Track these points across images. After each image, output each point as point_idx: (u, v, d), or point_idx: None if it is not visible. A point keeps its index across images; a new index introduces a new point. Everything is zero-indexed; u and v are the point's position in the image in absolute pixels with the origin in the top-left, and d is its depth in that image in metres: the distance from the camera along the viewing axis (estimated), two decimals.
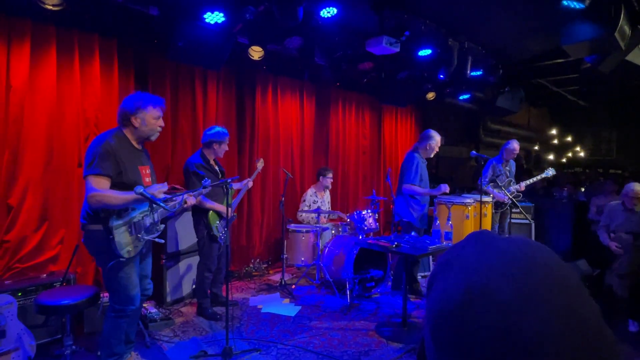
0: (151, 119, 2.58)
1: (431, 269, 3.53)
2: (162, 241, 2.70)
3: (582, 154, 12.16)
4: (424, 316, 0.49)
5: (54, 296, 2.62)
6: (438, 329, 0.45)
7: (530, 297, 0.41)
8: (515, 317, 0.40)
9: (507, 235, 0.52)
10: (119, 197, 2.37)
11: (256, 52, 4.55)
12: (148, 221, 2.58)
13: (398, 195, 4.38)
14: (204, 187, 2.97)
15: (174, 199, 2.74)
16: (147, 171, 2.69)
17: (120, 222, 2.42)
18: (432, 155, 4.38)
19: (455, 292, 0.44)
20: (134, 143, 2.62)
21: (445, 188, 4.06)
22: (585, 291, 0.44)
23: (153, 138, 2.68)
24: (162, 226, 2.71)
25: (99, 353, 2.92)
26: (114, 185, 2.42)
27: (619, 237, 4.09)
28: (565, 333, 0.40)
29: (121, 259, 2.42)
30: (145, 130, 2.59)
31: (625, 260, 4.02)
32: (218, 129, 3.69)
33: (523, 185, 5.15)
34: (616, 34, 3.69)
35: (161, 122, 2.66)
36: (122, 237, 2.42)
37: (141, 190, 2.29)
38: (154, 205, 2.63)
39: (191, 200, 2.98)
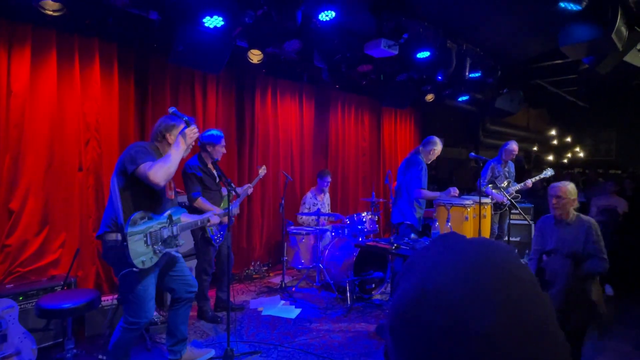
0: (185, 136, 2.62)
1: None
2: (179, 255, 2.71)
3: (581, 155, 12.18)
4: (386, 315, 0.51)
5: (55, 300, 2.63)
6: (395, 326, 0.47)
7: (478, 295, 0.43)
8: (463, 314, 0.42)
9: (472, 237, 0.54)
10: (169, 156, 2.44)
11: (255, 56, 4.57)
12: (166, 233, 2.56)
13: (401, 198, 4.32)
14: (233, 209, 3.07)
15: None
16: (172, 185, 2.76)
17: (135, 229, 2.39)
18: (430, 161, 4.39)
19: (411, 292, 0.47)
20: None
21: (455, 191, 4.06)
22: (537, 287, 0.46)
23: (185, 154, 2.70)
24: (182, 242, 2.69)
25: (100, 356, 2.94)
26: (138, 182, 2.42)
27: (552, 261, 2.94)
28: (508, 326, 0.42)
29: (134, 269, 2.38)
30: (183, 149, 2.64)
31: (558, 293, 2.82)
32: (212, 131, 3.71)
33: (530, 182, 5.16)
34: (613, 36, 3.71)
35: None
36: (137, 246, 2.38)
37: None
38: (174, 218, 2.64)
39: (215, 220, 3.01)
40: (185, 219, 2.78)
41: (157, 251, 2.49)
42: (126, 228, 2.36)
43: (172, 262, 2.76)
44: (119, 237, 2.38)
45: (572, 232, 2.82)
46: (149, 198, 2.51)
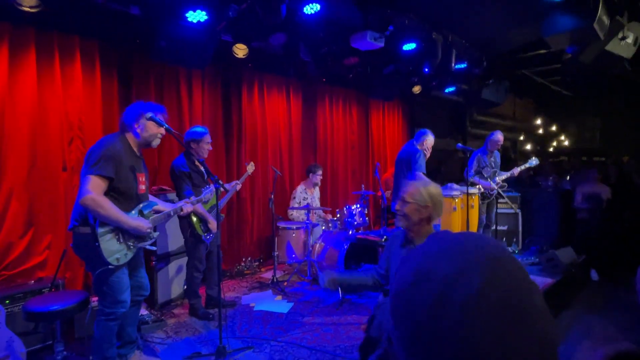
0: (152, 126, 2.62)
1: None
2: (155, 248, 2.69)
3: (566, 143, 12.36)
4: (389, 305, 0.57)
5: (43, 302, 2.60)
6: (395, 307, 0.54)
7: (463, 271, 0.49)
8: (450, 286, 0.48)
9: (461, 232, 0.61)
10: (112, 212, 2.37)
11: (240, 50, 4.52)
12: None
13: (397, 188, 4.35)
14: (204, 196, 3.02)
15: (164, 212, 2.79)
16: (143, 178, 2.70)
17: (105, 228, 2.39)
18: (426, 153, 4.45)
19: (407, 276, 0.54)
20: (135, 149, 2.65)
21: (456, 187, 4.12)
22: (517, 263, 0.52)
23: (154, 144, 2.71)
24: (157, 234, 2.70)
25: (91, 358, 2.91)
26: (108, 190, 2.42)
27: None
28: (489, 294, 0.47)
29: (110, 267, 2.40)
30: (146, 136, 2.63)
31: None
32: (196, 128, 3.68)
33: (517, 170, 5.25)
34: (595, 25, 3.76)
35: (162, 130, 2.68)
36: (109, 244, 2.40)
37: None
38: (145, 212, 2.63)
39: (188, 208, 3.01)
40: (160, 209, 2.79)
41: (131, 246, 2.53)
42: (97, 228, 2.35)
43: (137, 262, 2.76)
44: (90, 230, 2.38)
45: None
46: (119, 195, 2.49)
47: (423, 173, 4.19)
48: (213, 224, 3.57)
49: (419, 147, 4.36)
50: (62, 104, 3.63)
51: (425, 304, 0.49)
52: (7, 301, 2.92)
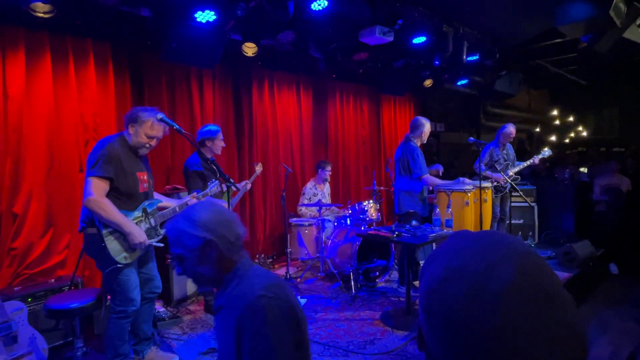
0: (142, 133, 2.59)
1: None
2: (162, 245, 2.73)
3: (584, 134, 12.06)
4: (418, 301, 0.58)
5: (63, 300, 2.67)
6: (428, 304, 0.54)
7: (495, 265, 0.50)
8: (483, 279, 0.49)
9: (483, 230, 0.63)
10: (114, 214, 2.41)
11: (250, 49, 4.54)
12: (144, 226, 2.61)
13: (400, 188, 4.29)
14: (210, 190, 3.04)
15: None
16: (145, 177, 2.72)
17: (110, 229, 2.44)
18: (424, 141, 4.33)
19: (438, 272, 0.54)
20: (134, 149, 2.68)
21: (468, 182, 4.04)
22: (542, 258, 0.54)
23: (140, 152, 2.68)
24: (163, 230, 2.74)
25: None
26: (110, 190, 2.47)
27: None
28: (525, 285, 0.48)
29: (118, 265, 2.45)
30: (134, 142, 2.62)
31: None
32: (209, 126, 3.73)
33: (530, 161, 5.16)
34: (611, 12, 3.65)
35: (153, 142, 2.65)
36: (116, 244, 2.44)
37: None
38: (149, 210, 2.68)
39: (193, 203, 3.03)
40: (165, 205, 2.82)
41: None
42: (101, 229, 2.40)
43: (147, 258, 2.80)
44: (96, 231, 2.43)
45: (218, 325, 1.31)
46: (120, 195, 2.53)
47: (423, 175, 4.08)
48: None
49: (416, 141, 4.23)
50: (77, 106, 3.71)
51: (459, 297, 0.49)
52: (29, 299, 3.02)
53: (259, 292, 1.19)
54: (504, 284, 0.48)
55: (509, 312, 0.46)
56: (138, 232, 2.50)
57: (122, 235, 2.49)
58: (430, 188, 4.40)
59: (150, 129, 2.59)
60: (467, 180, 4.24)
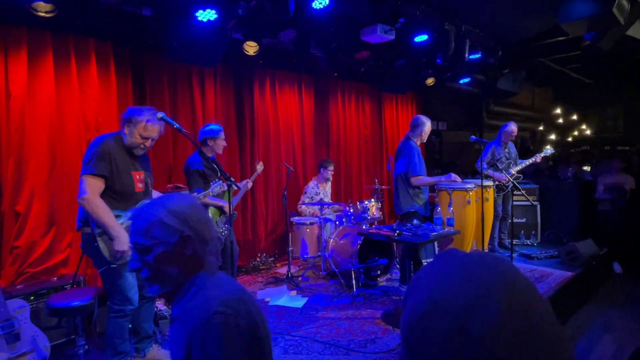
0: (137, 134, 2.57)
1: (437, 253, 3.52)
2: None
3: (588, 132, 11.99)
4: (400, 329, 0.55)
5: (64, 298, 2.69)
6: (409, 336, 0.52)
7: (480, 300, 0.48)
8: (467, 318, 0.47)
9: (471, 251, 0.58)
10: (103, 216, 2.38)
11: (251, 47, 4.54)
12: None
13: (399, 188, 4.28)
14: (213, 190, 3.03)
15: None
16: (141, 177, 2.69)
17: (102, 229, 2.42)
18: (425, 141, 4.30)
19: (421, 303, 0.52)
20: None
21: (455, 177, 4.02)
22: (533, 289, 0.51)
23: (136, 152, 2.65)
24: None
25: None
26: (105, 189, 2.46)
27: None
28: (509, 324, 0.45)
29: (112, 265, 2.44)
30: (130, 142, 2.59)
31: None
32: (211, 126, 3.73)
33: (532, 160, 5.14)
34: (614, 10, 3.62)
35: (148, 142, 2.62)
36: (109, 244, 2.42)
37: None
38: None
39: None
40: None
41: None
42: (94, 229, 2.39)
43: None
44: (90, 230, 2.43)
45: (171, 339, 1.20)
46: (115, 194, 2.51)
47: (419, 175, 4.05)
48: (226, 207, 3.58)
49: (416, 140, 4.19)
50: (79, 106, 3.73)
51: (442, 336, 0.47)
52: (32, 297, 3.04)
53: (216, 308, 1.04)
54: (488, 325, 0.46)
55: (493, 354, 0.45)
56: (124, 239, 2.40)
57: None
58: (427, 187, 4.36)
59: (144, 129, 2.56)
60: (469, 179, 4.22)
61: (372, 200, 5.07)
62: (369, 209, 4.90)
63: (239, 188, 3.76)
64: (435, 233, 3.47)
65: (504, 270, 0.52)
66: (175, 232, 1.13)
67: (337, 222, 5.08)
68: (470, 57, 5.44)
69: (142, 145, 2.62)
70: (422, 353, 0.50)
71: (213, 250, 1.20)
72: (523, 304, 0.48)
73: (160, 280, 1.17)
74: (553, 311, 0.50)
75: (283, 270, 5.10)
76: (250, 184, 4.05)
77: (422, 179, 4.09)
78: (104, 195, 2.47)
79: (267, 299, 4.17)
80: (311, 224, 4.88)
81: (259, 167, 4.27)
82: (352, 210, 5.00)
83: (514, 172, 5.06)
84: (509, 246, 4.80)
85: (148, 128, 2.57)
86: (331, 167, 5.42)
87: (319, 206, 4.89)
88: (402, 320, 0.54)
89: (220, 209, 3.73)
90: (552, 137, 12.07)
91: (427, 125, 4.18)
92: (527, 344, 0.45)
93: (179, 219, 1.14)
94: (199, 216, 1.19)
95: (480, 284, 0.49)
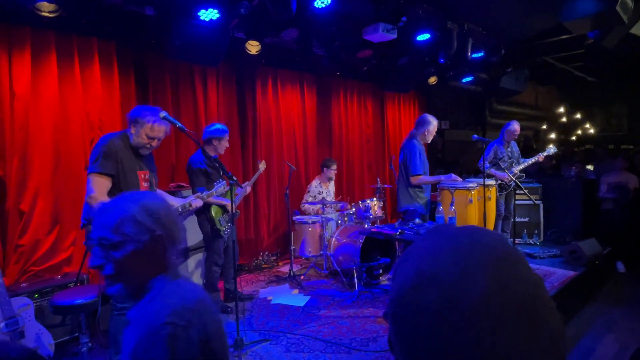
0: (143, 134, 2.59)
1: None
2: None
3: (592, 131, 11.93)
4: (388, 303, 0.54)
5: (68, 296, 2.71)
6: (396, 311, 0.51)
7: (467, 273, 0.47)
8: (457, 292, 0.46)
9: (463, 225, 0.57)
10: None
11: (253, 47, 4.55)
12: None
13: (401, 186, 4.29)
14: (216, 190, 3.05)
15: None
16: (146, 176, 2.72)
17: None
18: (429, 141, 4.28)
19: (409, 278, 0.51)
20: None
21: (456, 178, 4.02)
22: (525, 264, 0.50)
23: (142, 152, 2.67)
24: None
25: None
26: (112, 188, 2.48)
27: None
28: (495, 297, 0.45)
29: None
30: (136, 142, 2.61)
31: None
32: (218, 125, 3.74)
33: (535, 159, 5.12)
34: (618, 8, 3.61)
35: (154, 142, 2.64)
36: None
37: None
38: None
39: (197, 203, 3.01)
40: None
41: None
42: None
43: None
44: None
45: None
46: (119, 193, 2.53)
47: (419, 175, 4.04)
48: (228, 205, 3.59)
49: (420, 138, 4.16)
50: (82, 105, 3.75)
51: (430, 310, 0.47)
52: (36, 295, 3.06)
53: (166, 319, 0.97)
54: (476, 297, 0.45)
55: (482, 327, 0.44)
56: None
57: None
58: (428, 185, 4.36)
59: (150, 130, 2.59)
60: (470, 178, 4.21)
61: (375, 199, 5.07)
62: (371, 208, 4.91)
63: (241, 187, 3.77)
64: None
65: (494, 244, 0.51)
66: (147, 230, 1.08)
67: (340, 221, 5.09)
68: (473, 55, 5.42)
69: (148, 145, 2.64)
70: (409, 328, 0.49)
71: (178, 254, 1.16)
72: (513, 278, 0.47)
73: (125, 280, 1.10)
74: (545, 285, 0.50)
75: (285, 269, 5.11)
76: (248, 189, 4.08)
77: (422, 178, 4.09)
78: (110, 194, 2.49)
79: (269, 298, 4.18)
80: (313, 222, 4.88)
81: (262, 166, 4.29)
82: (354, 210, 5.00)
83: (516, 171, 5.04)
84: None
85: (155, 129, 2.60)
86: (334, 166, 5.43)
87: (321, 205, 4.89)
88: (390, 296, 0.53)
89: (222, 208, 3.75)
90: (555, 135, 12.02)
91: (433, 125, 4.15)
92: (513, 315, 0.45)
93: (152, 218, 1.09)
94: (172, 217, 1.15)
95: (468, 258, 0.48)
